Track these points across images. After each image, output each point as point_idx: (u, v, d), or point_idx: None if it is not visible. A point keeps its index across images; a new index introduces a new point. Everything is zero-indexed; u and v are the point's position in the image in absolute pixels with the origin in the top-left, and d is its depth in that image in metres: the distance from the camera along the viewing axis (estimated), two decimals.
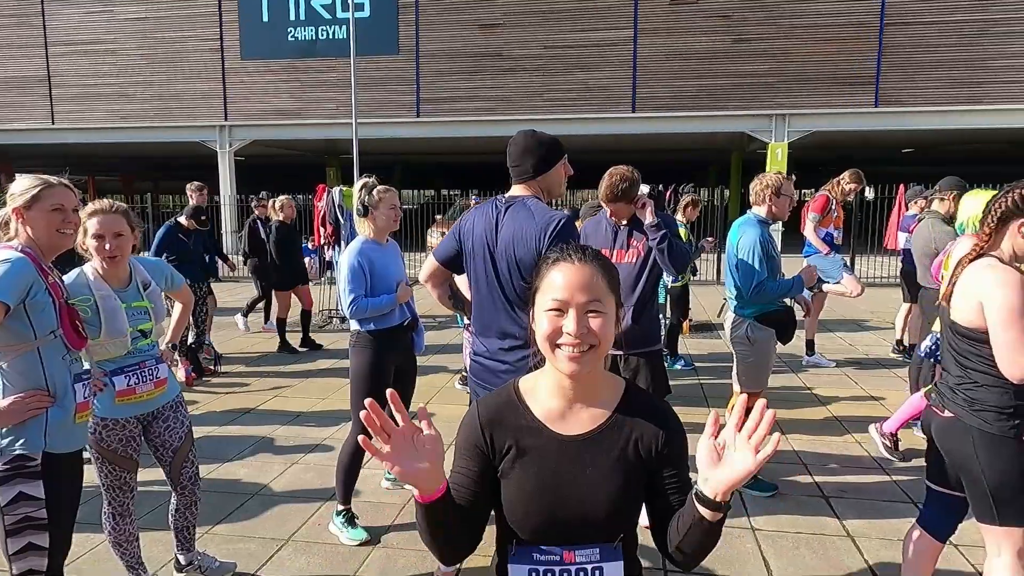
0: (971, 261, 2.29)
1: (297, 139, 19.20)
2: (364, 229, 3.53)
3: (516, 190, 2.68)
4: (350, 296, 3.39)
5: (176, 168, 25.97)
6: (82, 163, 25.56)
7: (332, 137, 18.37)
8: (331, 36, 17.60)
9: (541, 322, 1.25)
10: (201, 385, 6.36)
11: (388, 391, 1.17)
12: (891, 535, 3.46)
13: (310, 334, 8.00)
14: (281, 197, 8.08)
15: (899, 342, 7.03)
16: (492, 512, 1.35)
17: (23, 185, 2.16)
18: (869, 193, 13.48)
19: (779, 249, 3.92)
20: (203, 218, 7.02)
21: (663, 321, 5.57)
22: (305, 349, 7.83)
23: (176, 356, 6.41)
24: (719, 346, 7.65)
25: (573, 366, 1.23)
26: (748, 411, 1.12)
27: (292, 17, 17.73)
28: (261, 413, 5.49)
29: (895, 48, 15.52)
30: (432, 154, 24.29)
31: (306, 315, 8.05)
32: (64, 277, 2.59)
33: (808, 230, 6.26)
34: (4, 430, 2.07)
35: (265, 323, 8.95)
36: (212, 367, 6.76)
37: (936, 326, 4.74)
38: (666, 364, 5.69)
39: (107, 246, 2.61)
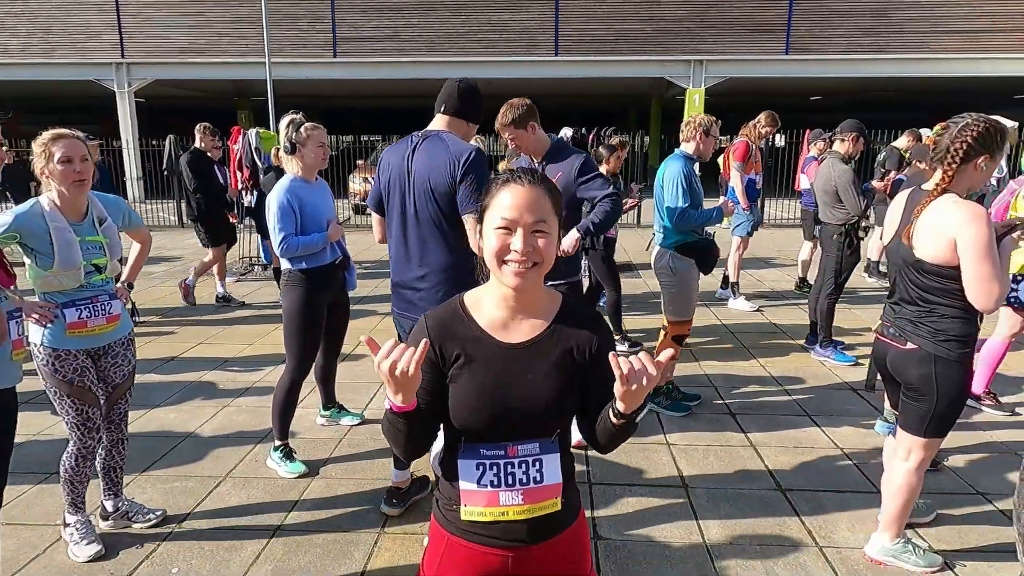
0: (933, 200, 2.41)
1: (203, 79, 18.06)
2: (292, 167, 3.50)
3: (434, 124, 2.82)
4: (280, 235, 3.38)
5: (70, 110, 23.98)
6: None
7: (243, 78, 17.42)
8: None
9: (489, 239, 1.37)
10: None
11: (363, 337, 1.27)
12: (787, 443, 3.87)
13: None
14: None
15: (802, 279, 7.57)
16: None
17: None
18: (780, 140, 14.13)
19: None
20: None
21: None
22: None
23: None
24: (640, 285, 8.01)
25: (518, 280, 1.35)
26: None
27: None
28: (187, 360, 5.40)
29: None
30: (351, 97, 23.45)
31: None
32: (19, 207, 2.59)
33: (734, 179, 6.53)
34: None
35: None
36: (129, 317, 6.52)
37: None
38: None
39: (76, 168, 2.59)
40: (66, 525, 2.87)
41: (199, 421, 4.20)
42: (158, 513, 3.09)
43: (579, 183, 3.43)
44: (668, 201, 4.02)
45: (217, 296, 7.35)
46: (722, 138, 5.97)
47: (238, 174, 8.54)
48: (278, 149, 4.68)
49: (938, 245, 2.38)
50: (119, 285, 2.96)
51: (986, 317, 2.54)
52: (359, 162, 15.57)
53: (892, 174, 6.40)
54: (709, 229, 4.32)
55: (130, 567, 2.75)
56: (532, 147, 3.55)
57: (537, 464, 1.43)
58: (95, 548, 2.78)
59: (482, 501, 1.42)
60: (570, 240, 3.38)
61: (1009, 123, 4.96)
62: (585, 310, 1.52)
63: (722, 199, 4.28)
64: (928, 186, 2.55)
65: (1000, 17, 15.91)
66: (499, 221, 1.35)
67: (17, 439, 2.53)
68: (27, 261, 2.66)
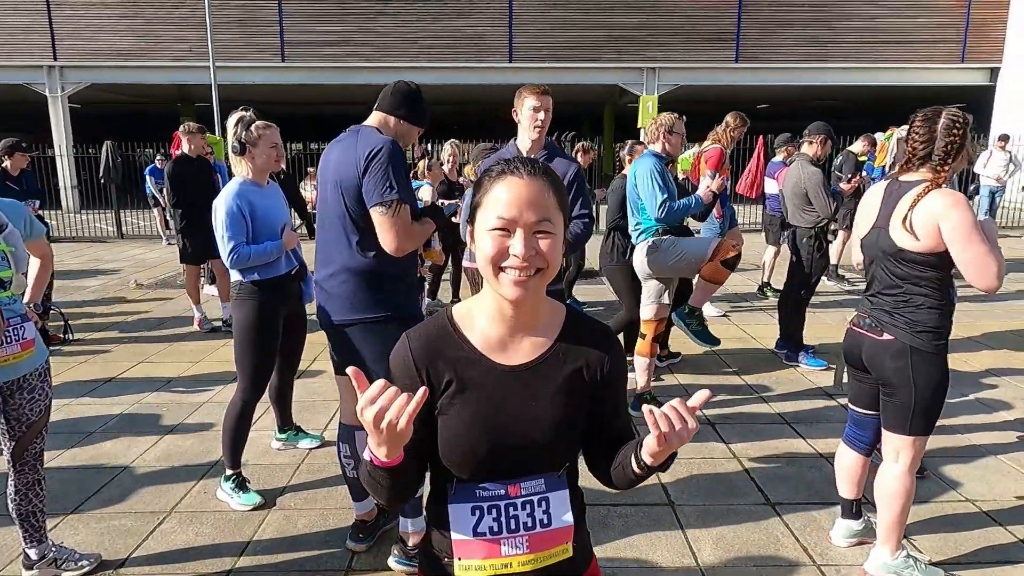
0: (928, 192, 2.34)
1: (143, 83, 17.30)
2: (241, 169, 3.20)
3: (367, 121, 2.61)
4: (229, 244, 3.07)
5: (1, 116, 22.65)
6: None
7: (184, 82, 16.76)
8: None
9: (483, 243, 1.14)
10: (51, 355, 5.64)
11: (350, 369, 1.03)
12: (770, 452, 3.74)
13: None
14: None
15: (765, 283, 7.55)
16: None
17: None
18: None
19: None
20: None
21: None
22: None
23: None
24: (605, 292, 7.87)
25: (518, 291, 1.13)
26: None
27: None
28: (126, 381, 4.98)
29: (753, 7, 16.37)
30: (300, 104, 22.85)
31: None
32: None
33: (702, 187, 6.37)
34: None
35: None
36: (61, 334, 6.03)
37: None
38: None
39: None
40: None
41: (139, 450, 3.82)
42: (91, 559, 2.73)
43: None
44: (645, 197, 3.97)
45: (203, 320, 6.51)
46: (690, 145, 5.82)
47: None
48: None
49: (923, 233, 2.35)
50: (26, 306, 2.60)
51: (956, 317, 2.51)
52: (310, 169, 15.11)
53: (861, 175, 6.39)
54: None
55: None
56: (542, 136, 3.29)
57: (544, 504, 1.20)
58: None
59: (480, 553, 1.18)
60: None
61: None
62: (594, 323, 1.31)
63: (701, 192, 4.16)
64: (911, 178, 2.47)
65: (937, 29, 16.55)
66: (494, 221, 1.12)
67: None
68: None
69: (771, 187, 7.27)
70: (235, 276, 3.20)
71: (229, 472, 3.24)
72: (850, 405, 2.81)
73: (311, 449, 3.79)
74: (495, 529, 1.18)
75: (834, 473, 2.91)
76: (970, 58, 16.66)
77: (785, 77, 16.90)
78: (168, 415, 4.31)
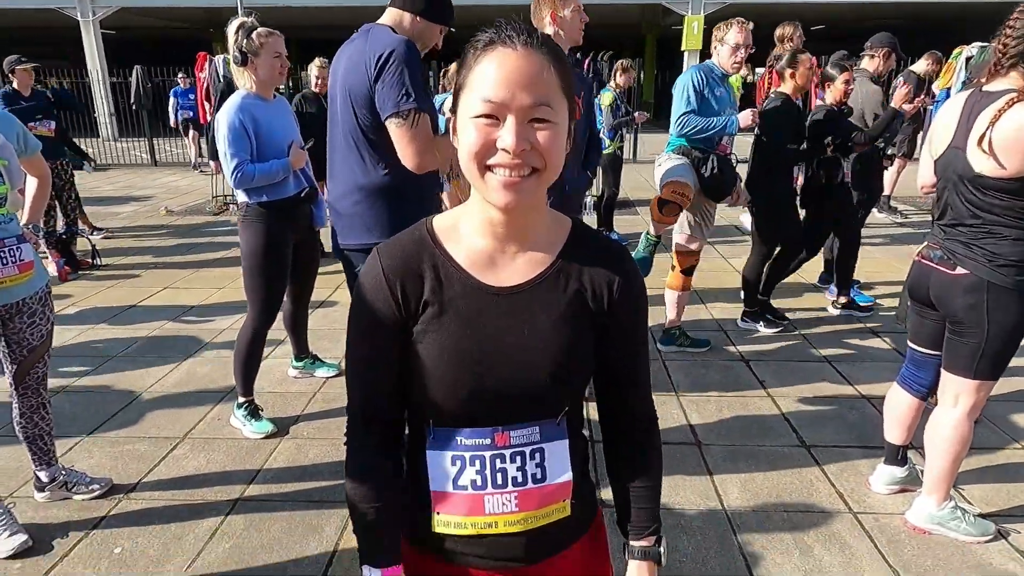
0: (1013, 106, 2.01)
1: (173, 7, 16.95)
2: (244, 81, 2.98)
3: (380, 19, 2.29)
4: (233, 161, 2.89)
5: (32, 43, 22.62)
6: None
7: (213, 4, 16.33)
8: None
9: (466, 132, 0.89)
10: (79, 279, 5.67)
11: None
12: (807, 392, 3.51)
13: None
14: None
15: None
16: None
17: None
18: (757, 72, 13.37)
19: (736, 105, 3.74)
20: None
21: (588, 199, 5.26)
22: None
23: (44, 248, 5.69)
24: (639, 223, 7.55)
25: (509, 196, 0.89)
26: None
27: None
28: (148, 308, 4.95)
29: None
30: (330, 28, 22.21)
31: None
32: None
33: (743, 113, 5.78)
34: None
35: None
36: (90, 260, 6.04)
37: None
38: None
39: None
40: None
41: (156, 376, 3.79)
42: (102, 483, 2.70)
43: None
44: (672, 110, 3.68)
45: None
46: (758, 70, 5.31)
47: (206, 105, 7.92)
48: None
49: (1005, 155, 2.02)
50: (24, 227, 2.48)
51: None
52: None
53: (921, 97, 5.82)
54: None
55: (65, 549, 2.38)
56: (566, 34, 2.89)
57: (537, 456, 1.00)
58: (19, 539, 2.35)
59: (461, 508, 1.00)
60: None
61: None
62: (604, 239, 1.07)
63: (748, 113, 3.76)
64: (997, 87, 2.10)
65: None
66: (479, 106, 0.87)
67: None
68: None
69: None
70: (241, 197, 3.03)
71: (241, 400, 3.17)
72: (910, 344, 2.55)
73: (327, 378, 3.70)
74: (478, 483, 0.99)
75: (878, 416, 2.69)
76: None
77: None
78: (188, 341, 4.27)
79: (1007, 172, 2.04)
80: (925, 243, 2.38)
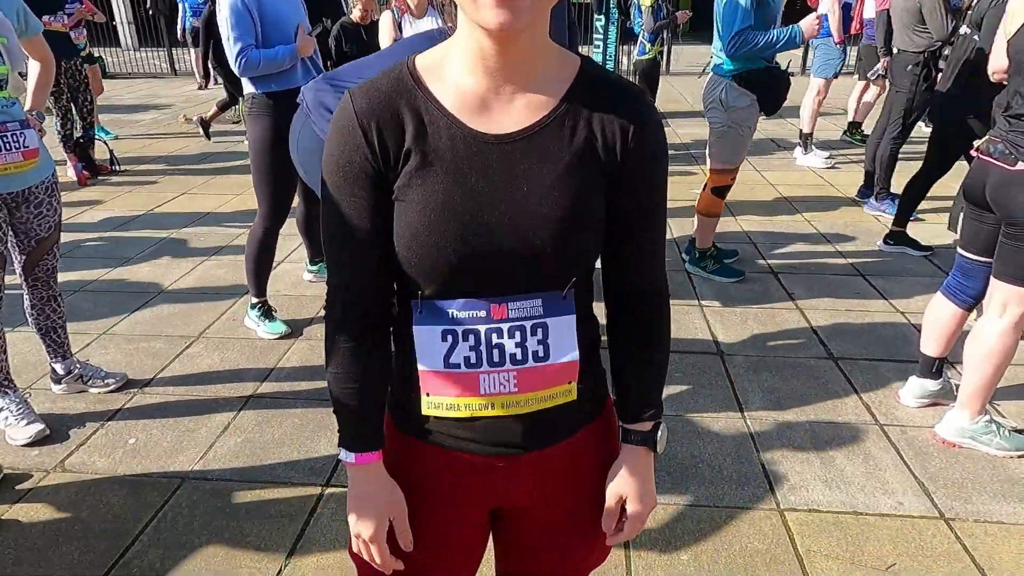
0: None
1: None
2: None
3: None
4: (236, 47, 2.72)
5: None
6: None
7: None
8: None
9: None
10: (97, 184, 5.63)
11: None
12: (839, 307, 3.36)
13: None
14: None
15: (851, 123, 6.74)
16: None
17: None
18: None
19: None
20: None
21: None
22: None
23: (64, 153, 5.62)
24: (670, 136, 7.21)
25: (503, 12, 0.73)
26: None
27: None
28: (166, 212, 4.90)
29: None
30: None
31: None
32: None
33: (825, 3, 5.26)
34: None
35: None
36: (108, 165, 5.97)
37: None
38: None
39: None
40: None
41: (174, 276, 3.77)
42: (118, 378, 2.71)
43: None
44: (722, 21, 3.14)
45: None
46: None
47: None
48: None
49: None
50: (27, 113, 2.37)
51: None
52: None
53: None
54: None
55: (81, 438, 2.40)
56: None
57: (540, 332, 0.88)
58: (36, 428, 2.37)
59: (453, 389, 0.90)
60: None
61: None
62: (619, 80, 0.90)
63: (812, 19, 3.29)
64: None
65: None
66: None
67: None
68: None
69: (869, 9, 6.15)
70: (248, 88, 2.88)
71: (255, 300, 3.13)
72: (960, 251, 2.37)
73: None
74: (472, 360, 0.88)
75: (913, 332, 2.54)
76: None
77: None
78: (205, 245, 4.23)
79: None
80: (987, 136, 2.16)
